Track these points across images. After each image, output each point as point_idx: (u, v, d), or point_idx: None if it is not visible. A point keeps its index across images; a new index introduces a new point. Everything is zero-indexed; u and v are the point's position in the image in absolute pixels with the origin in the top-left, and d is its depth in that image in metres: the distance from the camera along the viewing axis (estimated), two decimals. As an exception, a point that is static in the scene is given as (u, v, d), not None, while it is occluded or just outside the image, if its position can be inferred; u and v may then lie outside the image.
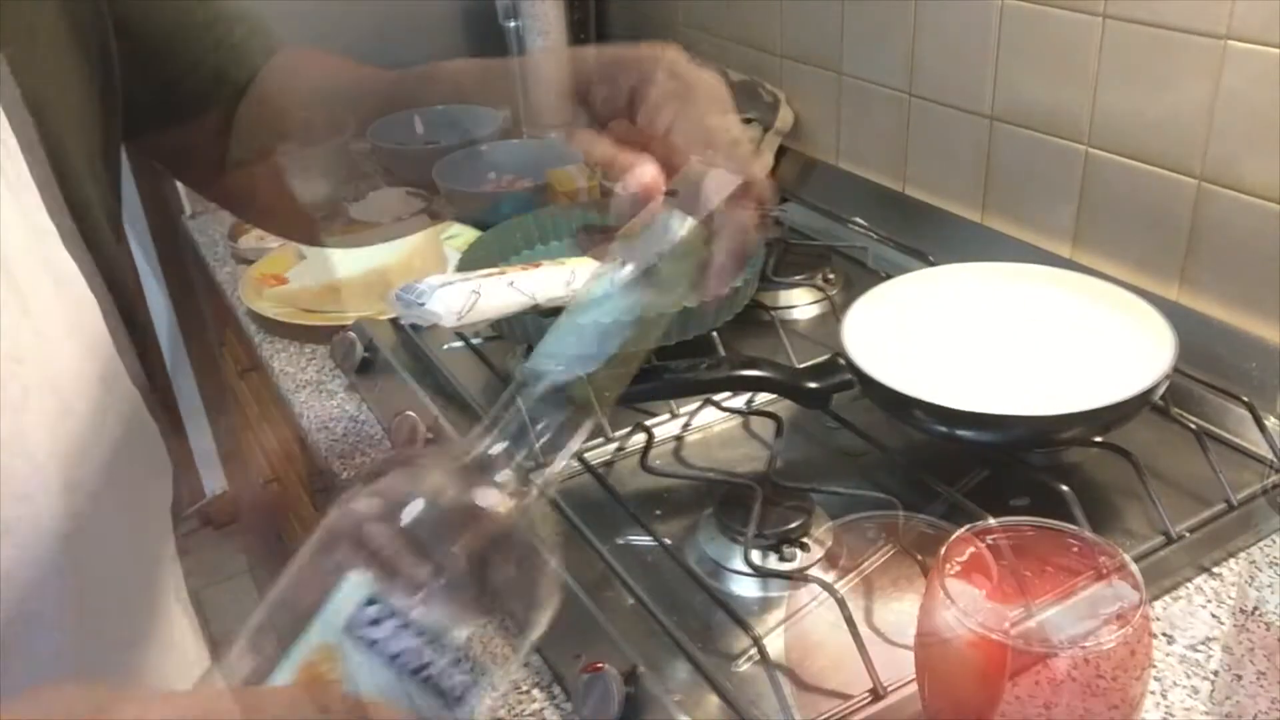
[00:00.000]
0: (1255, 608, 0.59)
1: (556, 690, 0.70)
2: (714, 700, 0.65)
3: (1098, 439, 0.80)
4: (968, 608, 0.53)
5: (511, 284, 0.91)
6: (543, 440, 0.69)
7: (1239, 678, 0.62)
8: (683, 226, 0.88)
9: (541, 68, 1.51)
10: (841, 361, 0.82)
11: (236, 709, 0.43)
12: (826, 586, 0.67)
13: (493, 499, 0.56)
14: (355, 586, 0.45)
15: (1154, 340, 0.80)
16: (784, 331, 1.01)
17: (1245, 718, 0.62)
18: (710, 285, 0.65)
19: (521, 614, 0.57)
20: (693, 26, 1.54)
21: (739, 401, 0.94)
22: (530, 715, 0.69)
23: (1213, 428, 0.85)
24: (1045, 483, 0.74)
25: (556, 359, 0.66)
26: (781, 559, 0.75)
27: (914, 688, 0.60)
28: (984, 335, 0.86)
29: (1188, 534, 0.76)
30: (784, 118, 1.36)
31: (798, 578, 0.72)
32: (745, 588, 0.75)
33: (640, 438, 0.88)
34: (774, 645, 0.66)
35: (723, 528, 0.77)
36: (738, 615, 0.69)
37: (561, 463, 0.70)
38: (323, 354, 1.14)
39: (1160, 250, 0.98)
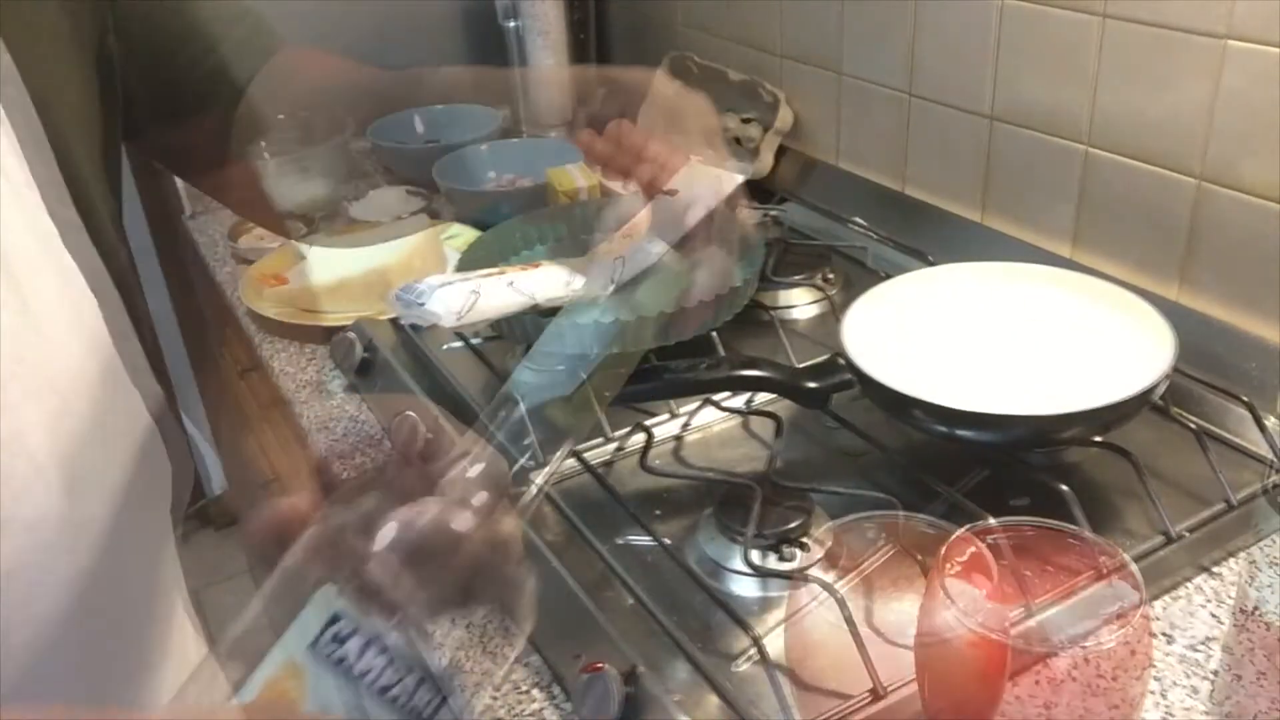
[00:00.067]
0: (1255, 607, 0.59)
1: (556, 690, 0.70)
2: (714, 700, 0.65)
3: (1097, 439, 0.80)
4: (968, 608, 0.53)
5: (511, 284, 0.91)
6: (525, 458, 0.69)
7: (1239, 678, 0.62)
8: (659, 253, 0.89)
9: (541, 68, 1.51)
10: (841, 361, 0.82)
11: None
12: (826, 586, 0.67)
13: (466, 522, 0.56)
14: (322, 605, 0.45)
15: (1154, 340, 0.80)
16: (783, 331, 1.01)
17: (1245, 718, 0.62)
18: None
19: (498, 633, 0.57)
20: (692, 26, 1.54)
21: (738, 401, 0.94)
22: (530, 715, 0.69)
23: (1212, 427, 0.85)
24: (1045, 482, 0.74)
25: (532, 380, 0.67)
26: (781, 559, 0.75)
27: (914, 688, 0.60)
28: (984, 335, 0.86)
29: (1187, 534, 0.76)
30: (784, 117, 1.36)
31: (797, 578, 0.72)
32: (745, 588, 0.74)
33: (640, 437, 0.88)
34: (774, 645, 0.66)
35: (722, 528, 0.77)
36: (737, 615, 0.69)
37: (539, 483, 0.70)
38: (322, 354, 1.14)
39: (1160, 250, 0.98)
